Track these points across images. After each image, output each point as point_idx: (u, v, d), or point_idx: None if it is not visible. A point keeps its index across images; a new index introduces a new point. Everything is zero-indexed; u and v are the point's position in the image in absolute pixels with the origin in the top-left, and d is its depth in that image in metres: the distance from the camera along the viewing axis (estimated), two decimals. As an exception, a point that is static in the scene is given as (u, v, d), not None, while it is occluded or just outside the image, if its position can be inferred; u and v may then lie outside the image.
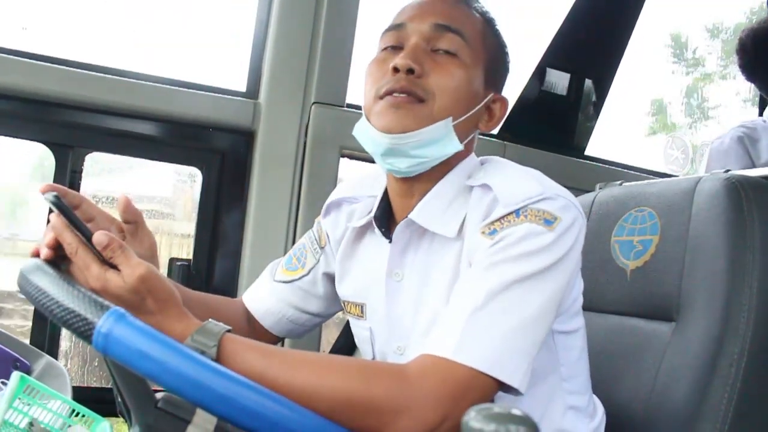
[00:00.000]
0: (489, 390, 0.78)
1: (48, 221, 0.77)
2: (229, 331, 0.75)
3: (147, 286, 0.74)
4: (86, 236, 0.73)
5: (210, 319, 0.76)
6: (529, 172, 0.92)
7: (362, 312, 1.04)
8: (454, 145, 0.93)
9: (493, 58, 0.99)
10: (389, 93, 0.91)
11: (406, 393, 0.74)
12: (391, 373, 0.77)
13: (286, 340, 1.54)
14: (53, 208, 0.73)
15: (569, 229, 0.85)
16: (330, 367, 0.76)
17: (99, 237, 0.73)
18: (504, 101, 1.02)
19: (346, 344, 1.78)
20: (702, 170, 2.02)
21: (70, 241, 0.74)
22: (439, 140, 0.91)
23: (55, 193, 0.73)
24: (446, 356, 0.76)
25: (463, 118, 0.94)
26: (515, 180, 0.89)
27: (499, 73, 1.02)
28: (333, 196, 1.12)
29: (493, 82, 1.00)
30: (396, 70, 0.90)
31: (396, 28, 0.96)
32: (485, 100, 0.98)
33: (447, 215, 0.93)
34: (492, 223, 0.85)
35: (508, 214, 0.84)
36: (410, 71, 0.90)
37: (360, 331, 1.06)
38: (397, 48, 0.95)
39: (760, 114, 2.70)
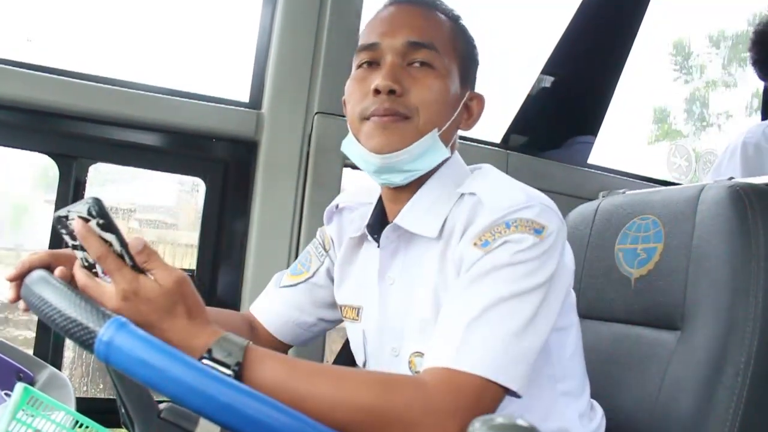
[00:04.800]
0: (499, 397, 0.79)
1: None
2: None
3: (181, 291, 0.76)
4: (120, 241, 0.73)
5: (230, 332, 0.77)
6: (514, 182, 0.96)
7: (358, 315, 1.07)
8: (443, 153, 0.98)
9: (465, 58, 1.02)
10: (374, 115, 0.94)
11: (426, 404, 0.75)
12: (411, 385, 0.78)
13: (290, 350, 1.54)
14: (93, 214, 0.71)
15: (557, 235, 0.88)
16: (351, 378, 0.77)
17: (136, 242, 0.75)
18: (480, 98, 1.05)
19: (350, 354, 1.77)
20: (711, 176, 1.98)
21: (98, 246, 0.72)
22: (429, 151, 0.96)
23: (95, 197, 0.71)
24: (458, 368, 0.78)
25: (446, 125, 0.98)
26: (501, 188, 0.93)
27: (471, 70, 1.05)
28: (334, 205, 1.16)
29: (467, 80, 1.03)
30: (377, 91, 0.93)
31: (370, 47, 0.98)
32: (463, 101, 1.01)
33: (428, 216, 0.96)
34: (483, 234, 0.87)
35: (499, 225, 0.86)
36: (391, 92, 0.93)
37: (354, 335, 1.09)
38: (373, 64, 0.98)
39: (764, 118, 2.66)
